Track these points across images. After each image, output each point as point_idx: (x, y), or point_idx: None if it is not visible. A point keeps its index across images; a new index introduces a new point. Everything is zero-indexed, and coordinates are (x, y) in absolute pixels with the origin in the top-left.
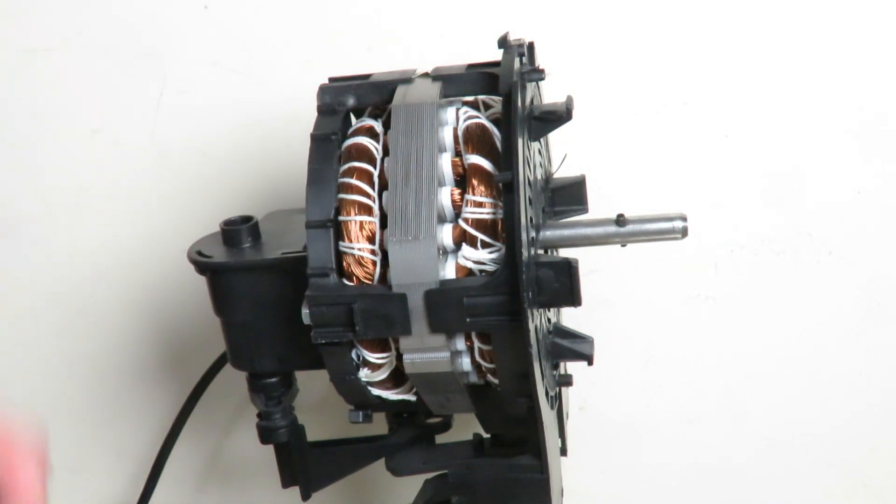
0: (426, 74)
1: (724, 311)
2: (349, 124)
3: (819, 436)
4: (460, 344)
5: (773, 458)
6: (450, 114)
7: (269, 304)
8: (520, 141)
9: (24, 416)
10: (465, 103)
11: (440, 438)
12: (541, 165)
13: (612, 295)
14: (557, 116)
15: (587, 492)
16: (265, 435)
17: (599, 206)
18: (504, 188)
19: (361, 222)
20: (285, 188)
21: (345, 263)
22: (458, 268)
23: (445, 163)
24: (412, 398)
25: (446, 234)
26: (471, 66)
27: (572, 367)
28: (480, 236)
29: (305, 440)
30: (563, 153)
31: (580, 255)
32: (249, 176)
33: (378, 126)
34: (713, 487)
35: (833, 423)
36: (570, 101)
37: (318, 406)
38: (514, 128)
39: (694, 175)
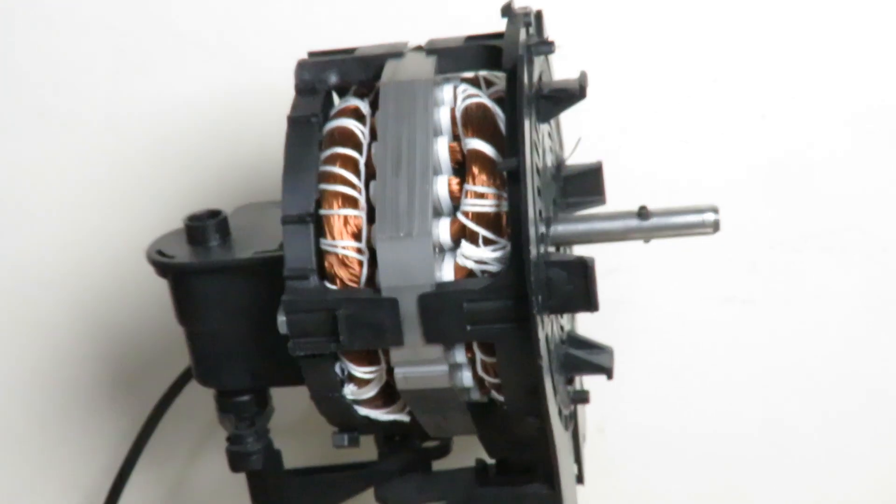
0: (419, 48)
1: (762, 317)
2: (331, 105)
3: (881, 465)
4: (460, 356)
5: (825, 488)
6: (446, 92)
7: (240, 311)
8: (526, 123)
9: None
10: (464, 80)
11: (437, 465)
12: (551, 151)
13: (634, 299)
14: (569, 95)
15: None
16: (236, 461)
17: (618, 197)
18: (509, 177)
19: (346, 217)
20: (258, 178)
21: (327, 264)
22: (457, 268)
23: (441, 148)
24: (405, 418)
25: (443, 230)
26: (470, 38)
27: (589, 382)
28: (482, 232)
29: (282, 467)
30: (576, 137)
31: (597, 253)
32: (217, 164)
33: (364, 107)
34: None
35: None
36: (583, 77)
37: (296, 428)
38: (520, 108)
39: (727, 162)
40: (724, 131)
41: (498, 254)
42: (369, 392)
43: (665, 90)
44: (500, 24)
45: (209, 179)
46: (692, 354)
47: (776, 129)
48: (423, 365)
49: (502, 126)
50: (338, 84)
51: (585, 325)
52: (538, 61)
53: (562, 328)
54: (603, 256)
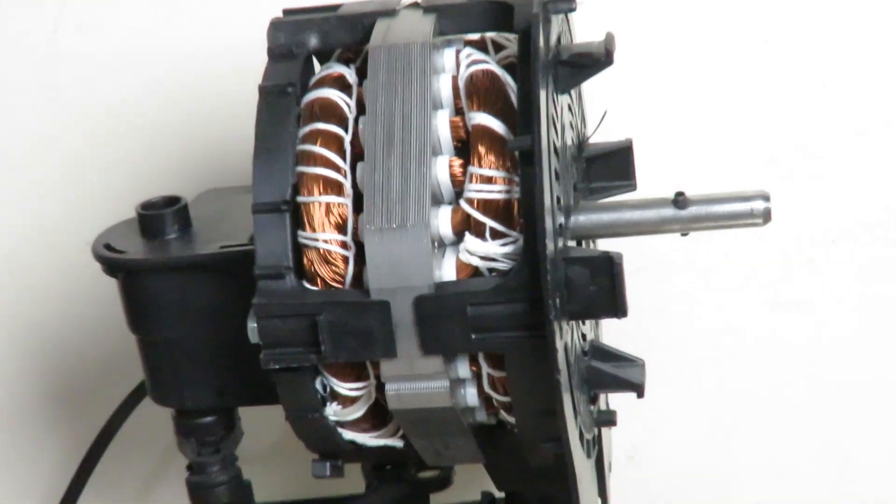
0: (415, 4)
1: (823, 324)
2: (311, 72)
3: None
4: (463, 370)
5: None
6: (447, 57)
7: (202, 316)
8: (542, 93)
9: None
10: (469, 43)
11: (436, 499)
12: (571, 127)
13: (669, 302)
14: (593, 60)
15: None
16: (199, 494)
17: (650, 181)
18: (521, 158)
19: (328, 204)
20: (224, 159)
21: (306, 260)
22: (460, 265)
23: (442, 124)
24: (398, 444)
25: (443, 221)
26: None
27: (616, 401)
28: (489, 223)
29: (253, 502)
30: (601, 110)
31: (625, 249)
32: (176, 143)
33: (350, 75)
34: None
35: None
36: (609, 39)
37: (269, 455)
38: (536, 76)
39: (779, 140)
40: (775, 103)
41: (508, 249)
42: (356, 412)
43: (704, 54)
44: None
45: (167, 161)
46: (738, 368)
47: (838, 100)
48: (420, 380)
49: (514, 97)
50: (319, 48)
51: (611, 333)
52: (556, 21)
53: (583, 337)
54: (632, 252)
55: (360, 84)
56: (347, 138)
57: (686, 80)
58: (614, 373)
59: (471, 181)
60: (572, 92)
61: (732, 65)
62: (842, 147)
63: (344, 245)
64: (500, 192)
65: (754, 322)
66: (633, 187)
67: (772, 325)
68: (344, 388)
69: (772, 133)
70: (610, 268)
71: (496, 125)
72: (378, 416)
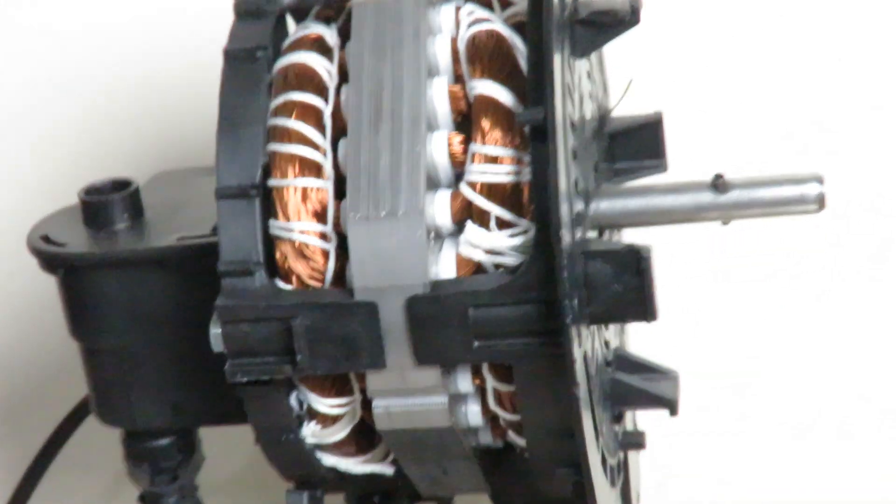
0: None
1: (890, 330)
2: (285, 33)
3: None
4: (464, 383)
5: None
6: (445, 16)
7: (157, 321)
8: (557, 58)
9: None
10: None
11: None
12: (591, 97)
13: (707, 303)
14: (617, 20)
15: None
16: None
17: (683, 161)
18: (532, 133)
19: (305, 189)
20: (182, 135)
21: (278, 254)
22: (460, 261)
23: (438, 93)
24: (387, 470)
25: (440, 208)
26: None
27: (645, 420)
28: (495, 210)
29: None
30: (626, 78)
31: (654, 240)
32: (126, 116)
33: (331, 36)
34: None
35: None
36: None
37: (236, 484)
38: (549, 37)
39: (794, 115)
40: (786, 80)
41: (517, 241)
42: (338, 433)
43: (722, 27)
44: None
45: (115, 137)
46: (784, 382)
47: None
48: (413, 396)
49: (523, 63)
50: (293, 4)
51: (640, 339)
52: None
53: (606, 344)
54: (662, 245)
55: (342, 47)
56: (327, 111)
57: (702, 51)
58: (643, 387)
59: (473, 161)
60: (592, 56)
61: (748, 39)
62: (857, 122)
63: (323, 236)
64: (507, 173)
65: (808, 327)
66: (663, 168)
67: (831, 330)
68: (324, 404)
69: (787, 108)
70: (637, 263)
71: (502, 95)
72: (364, 438)
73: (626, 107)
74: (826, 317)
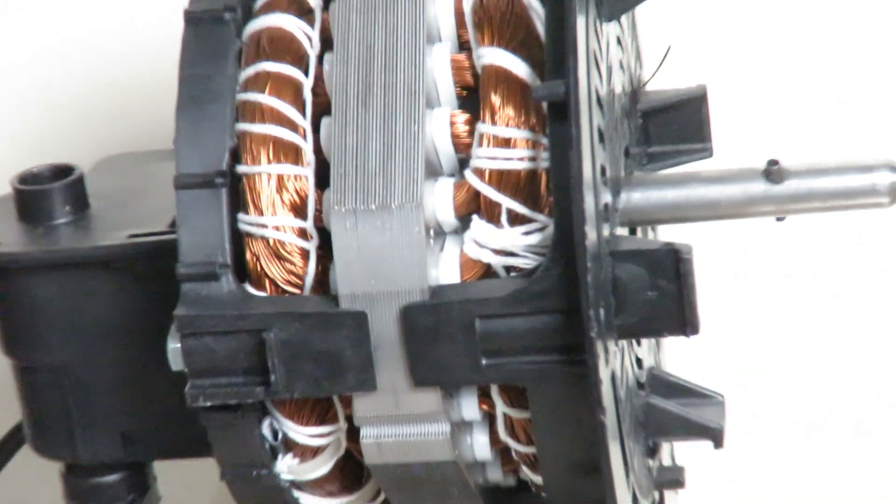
0: None
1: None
2: None
3: None
4: (470, 409)
5: None
6: None
7: (103, 333)
8: (580, 21)
9: None
10: None
11: None
12: (622, 68)
13: (758, 314)
14: None
15: None
16: None
17: (731, 145)
18: (551, 111)
19: (281, 177)
20: (133, 114)
21: (249, 255)
22: (465, 262)
23: (439, 63)
24: None
25: (442, 200)
26: None
27: (685, 453)
28: (507, 202)
29: None
30: (664, 46)
31: (694, 239)
32: (68, 91)
33: None
34: None
35: None
36: None
37: None
38: None
39: (808, 88)
40: (801, 52)
41: (533, 239)
42: (319, 469)
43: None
44: None
45: (54, 115)
46: (798, 381)
47: None
48: (409, 423)
49: (540, 27)
50: None
51: (677, 356)
52: None
53: (638, 363)
54: (704, 244)
55: (325, 7)
56: (308, 84)
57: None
58: (682, 413)
59: (480, 144)
60: (622, 19)
61: (762, 12)
62: (872, 95)
63: (302, 233)
64: (520, 158)
65: (879, 339)
66: (707, 153)
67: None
68: (302, 434)
69: (801, 81)
70: (675, 266)
71: (516, 65)
72: (350, 473)
73: (664, 79)
74: (843, 316)
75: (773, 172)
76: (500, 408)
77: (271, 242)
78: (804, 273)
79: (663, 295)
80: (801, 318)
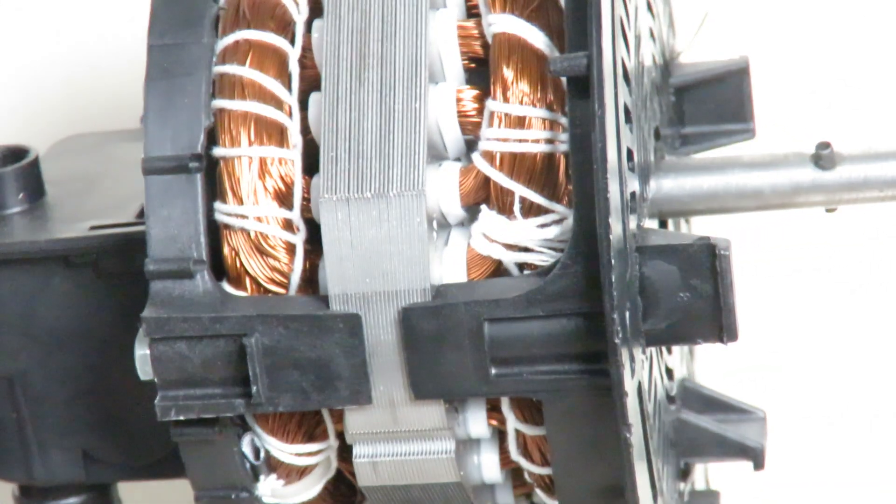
0: None
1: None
2: None
3: None
4: (477, 424)
5: None
6: None
7: (62, 338)
8: None
9: None
10: None
11: None
12: (652, 37)
13: (773, 309)
14: None
15: None
16: None
17: (776, 126)
18: (571, 86)
19: (264, 160)
20: (94, 89)
21: (227, 250)
22: (473, 258)
23: (444, 32)
24: None
25: (447, 187)
26: None
27: (720, 474)
28: (520, 190)
29: None
30: (700, 12)
31: (732, 232)
32: (19, 63)
33: None
34: None
35: None
36: None
37: None
38: None
39: (820, 71)
40: (811, 36)
41: (549, 232)
42: (306, 491)
43: None
44: None
45: (6, 92)
46: (812, 376)
47: None
48: (409, 441)
49: None
50: None
51: (711, 366)
52: None
53: (669, 374)
54: (743, 237)
55: None
56: (294, 55)
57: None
58: (718, 431)
59: (491, 124)
60: None
61: None
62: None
63: (288, 225)
64: (536, 141)
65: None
66: (749, 134)
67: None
68: (287, 452)
69: (858, 51)
70: (711, 263)
71: (531, 34)
72: (341, 497)
73: (700, 50)
74: (859, 311)
75: (823, 157)
76: (512, 423)
77: (252, 235)
78: (820, 268)
79: (697, 296)
80: (817, 314)
